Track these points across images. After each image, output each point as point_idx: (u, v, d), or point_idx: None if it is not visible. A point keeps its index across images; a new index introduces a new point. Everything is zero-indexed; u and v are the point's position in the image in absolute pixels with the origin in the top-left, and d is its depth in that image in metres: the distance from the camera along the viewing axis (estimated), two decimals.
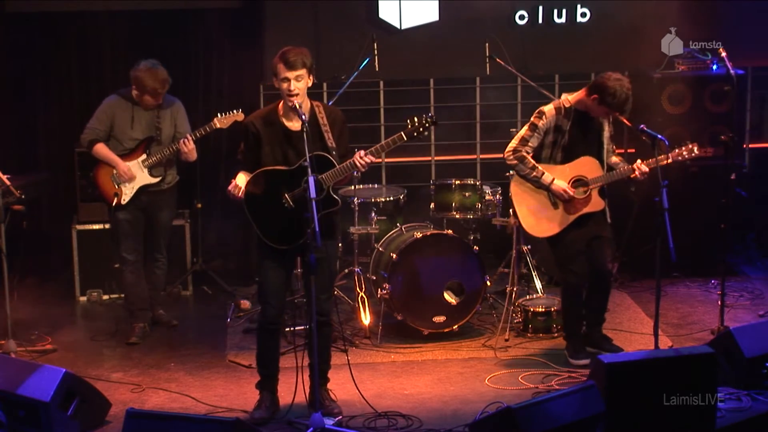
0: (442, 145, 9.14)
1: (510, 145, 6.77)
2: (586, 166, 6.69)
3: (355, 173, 6.23)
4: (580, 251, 6.77)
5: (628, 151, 8.34)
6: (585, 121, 6.69)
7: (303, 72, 5.81)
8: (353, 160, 5.86)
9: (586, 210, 6.72)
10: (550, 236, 6.84)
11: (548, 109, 6.71)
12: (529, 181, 6.73)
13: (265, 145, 5.94)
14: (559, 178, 6.69)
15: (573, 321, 6.93)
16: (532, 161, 6.70)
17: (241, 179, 5.98)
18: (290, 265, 6.21)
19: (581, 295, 6.93)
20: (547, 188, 6.69)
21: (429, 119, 5.88)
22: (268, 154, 5.93)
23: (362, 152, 5.88)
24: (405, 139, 5.88)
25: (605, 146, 6.76)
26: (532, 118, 6.74)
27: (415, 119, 5.88)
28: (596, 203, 6.71)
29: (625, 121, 6.76)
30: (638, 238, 8.02)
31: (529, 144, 6.71)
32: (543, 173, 6.68)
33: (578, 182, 6.71)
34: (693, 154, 6.64)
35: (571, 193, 6.68)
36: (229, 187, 5.98)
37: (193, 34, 9.16)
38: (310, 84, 5.89)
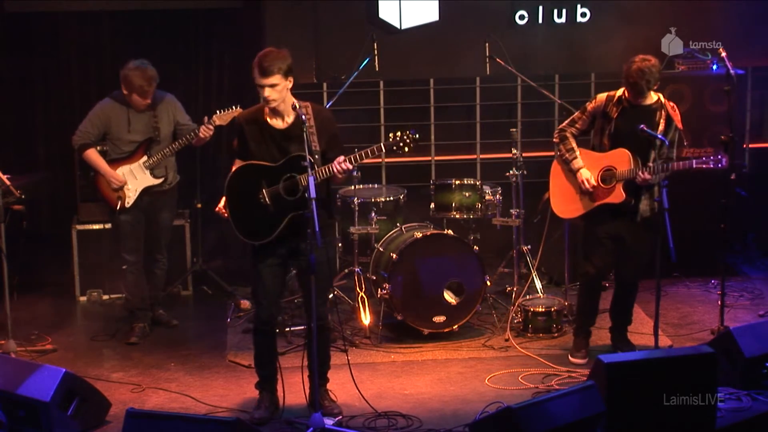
0: (442, 145, 9.14)
1: (561, 124, 6.92)
2: (618, 157, 6.67)
3: (354, 173, 6.23)
4: (602, 244, 6.78)
5: None
6: (638, 114, 6.64)
7: (277, 78, 5.77)
8: (331, 165, 5.86)
9: (606, 200, 6.71)
10: (574, 219, 6.95)
11: (600, 95, 6.81)
12: (563, 162, 6.85)
13: (251, 144, 5.93)
14: (592, 164, 6.73)
15: (583, 316, 6.97)
16: (573, 144, 6.81)
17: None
18: (282, 266, 6.15)
19: (597, 291, 6.96)
20: (574, 173, 6.78)
21: (411, 135, 5.84)
22: (254, 152, 5.93)
23: (341, 158, 5.88)
24: (383, 150, 5.88)
25: (657, 143, 6.66)
26: (586, 102, 6.88)
27: (398, 134, 5.86)
28: (616, 195, 6.68)
29: (679, 124, 6.68)
30: None
31: (576, 126, 6.83)
32: (575, 158, 6.77)
33: (608, 172, 6.72)
34: (720, 165, 6.55)
35: (588, 187, 6.70)
36: (217, 209, 6.09)
37: (193, 33, 9.17)
38: (290, 86, 5.85)
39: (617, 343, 6.97)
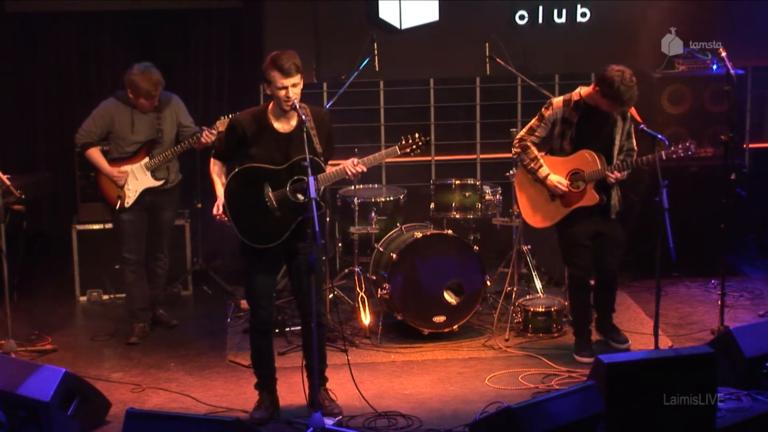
0: (442, 145, 9.14)
1: (518, 134, 6.90)
2: (584, 159, 6.71)
3: None
4: (582, 245, 6.82)
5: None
6: (596, 115, 6.68)
7: (298, 77, 5.81)
8: (344, 168, 5.89)
9: (580, 204, 6.75)
10: (550, 227, 6.94)
11: (556, 100, 6.80)
12: (528, 171, 6.84)
13: (252, 147, 5.91)
14: (558, 170, 6.74)
15: (580, 316, 6.99)
16: (535, 153, 6.79)
17: (220, 190, 6.04)
18: (276, 266, 6.19)
19: (587, 290, 6.98)
20: (542, 182, 6.76)
21: (423, 138, 5.98)
22: (256, 156, 5.91)
23: (355, 160, 5.89)
24: (398, 153, 5.99)
25: (617, 143, 6.73)
26: (541, 109, 6.82)
27: (409, 137, 5.98)
28: (590, 197, 6.73)
29: (636, 116, 6.76)
30: (638, 238, 8.02)
31: (536, 134, 6.80)
32: (541, 166, 6.76)
33: (576, 175, 6.73)
34: (690, 152, 6.60)
35: (564, 189, 6.72)
36: (215, 213, 6.06)
37: (193, 34, 9.16)
38: (302, 86, 5.89)
39: (607, 332, 7.04)
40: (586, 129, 6.70)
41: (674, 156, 6.57)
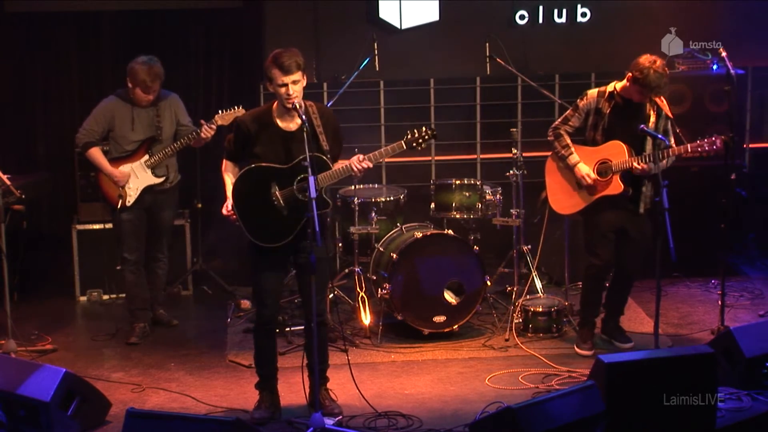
0: (442, 145, 9.14)
1: (554, 122, 6.98)
2: (613, 149, 6.75)
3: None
4: (605, 235, 6.84)
5: None
6: (630, 108, 6.73)
7: (299, 75, 5.80)
8: (350, 164, 5.87)
9: (605, 192, 6.78)
10: (574, 214, 7.00)
11: (591, 91, 6.89)
12: (560, 158, 6.92)
13: (257, 146, 5.91)
14: (587, 159, 6.81)
15: (589, 308, 7.03)
16: (567, 140, 6.89)
17: (230, 190, 6.01)
18: (283, 265, 6.17)
19: (602, 282, 7.02)
20: (571, 169, 6.84)
21: (430, 132, 5.94)
22: (261, 155, 5.91)
23: (360, 156, 5.88)
24: (404, 148, 5.94)
25: (648, 138, 6.72)
26: (576, 100, 6.92)
27: (416, 131, 5.94)
28: (615, 186, 6.75)
29: (669, 113, 6.75)
30: None
31: (570, 123, 6.90)
32: (571, 153, 6.85)
33: (603, 165, 6.77)
34: (715, 147, 6.61)
35: (590, 181, 6.77)
36: (224, 213, 6.02)
37: (193, 33, 9.17)
38: (304, 83, 5.89)
39: (612, 332, 7.07)
40: (618, 121, 6.74)
41: (699, 149, 6.59)
